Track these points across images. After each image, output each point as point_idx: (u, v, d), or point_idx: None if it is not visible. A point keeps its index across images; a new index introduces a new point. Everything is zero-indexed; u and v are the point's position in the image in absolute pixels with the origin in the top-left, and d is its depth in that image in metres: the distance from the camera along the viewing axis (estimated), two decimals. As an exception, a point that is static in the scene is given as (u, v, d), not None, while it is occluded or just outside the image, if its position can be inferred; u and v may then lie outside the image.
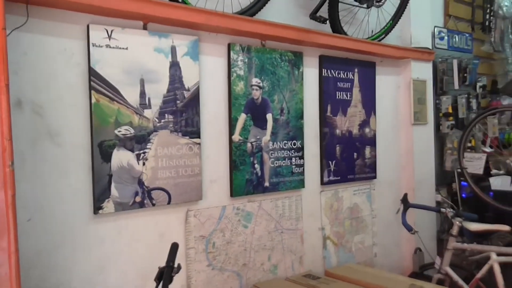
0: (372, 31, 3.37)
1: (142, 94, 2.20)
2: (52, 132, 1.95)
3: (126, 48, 2.14)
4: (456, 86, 4.17)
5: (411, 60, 3.64)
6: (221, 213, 2.53)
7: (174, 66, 2.31)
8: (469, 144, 3.90)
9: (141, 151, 2.20)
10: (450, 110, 4.03)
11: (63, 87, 1.98)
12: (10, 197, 1.58)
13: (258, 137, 2.68)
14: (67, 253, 2.00)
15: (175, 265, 1.65)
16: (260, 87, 2.67)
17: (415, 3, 3.62)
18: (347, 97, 3.21)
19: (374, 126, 3.41)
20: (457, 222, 2.93)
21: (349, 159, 3.23)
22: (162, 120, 2.28)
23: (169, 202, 2.30)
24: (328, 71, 3.08)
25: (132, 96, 2.16)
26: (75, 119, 2.02)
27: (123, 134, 2.13)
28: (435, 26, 4.03)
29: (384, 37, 3.38)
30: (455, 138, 4.00)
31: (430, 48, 3.87)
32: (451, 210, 3.03)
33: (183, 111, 2.35)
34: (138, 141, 2.19)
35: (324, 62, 3.06)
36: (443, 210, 3.06)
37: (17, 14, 1.84)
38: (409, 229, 2.94)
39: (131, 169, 2.16)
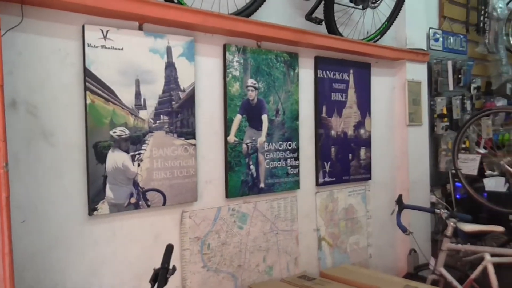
0: (367, 32, 3.38)
1: (138, 95, 2.19)
2: (47, 133, 1.94)
3: (122, 49, 2.13)
4: (451, 87, 4.19)
5: (406, 61, 3.65)
6: (216, 214, 2.53)
7: (170, 66, 2.31)
8: (463, 145, 3.92)
9: (136, 152, 2.19)
10: (445, 111, 4.05)
11: (58, 87, 1.97)
12: (4, 198, 1.58)
13: (253, 138, 2.68)
14: (62, 255, 1.99)
15: (170, 267, 1.65)
16: (255, 88, 2.67)
17: (410, 4, 3.63)
18: (342, 98, 3.21)
19: (369, 127, 3.42)
20: (451, 223, 2.95)
21: (344, 160, 3.24)
22: (158, 121, 2.27)
23: (164, 203, 2.29)
24: (324, 72, 3.09)
25: (127, 97, 2.15)
26: (70, 120, 2.01)
27: (118, 135, 2.12)
28: (430, 28, 4.05)
29: (379, 38, 3.39)
30: (450, 139, 4.02)
31: (425, 49, 3.88)
32: (446, 211, 3.04)
33: (178, 112, 2.35)
34: (133, 142, 2.18)
35: (320, 63, 3.06)
36: (437, 211, 3.07)
37: (12, 14, 1.83)
38: (404, 230, 2.95)
39: (126, 170, 2.15)
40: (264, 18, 2.65)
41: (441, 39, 4.17)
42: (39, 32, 1.92)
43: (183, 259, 2.39)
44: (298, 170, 2.92)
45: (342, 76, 3.22)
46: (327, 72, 3.11)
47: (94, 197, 2.05)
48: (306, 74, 3.00)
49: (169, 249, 1.72)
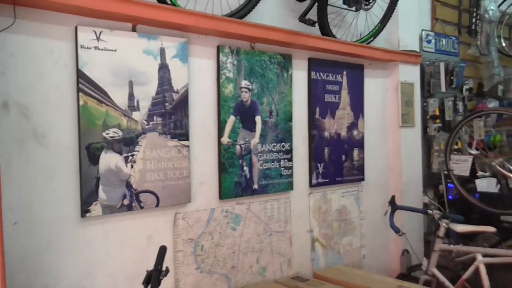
0: (360, 34, 3.40)
1: (131, 96, 2.19)
2: (39, 134, 1.93)
3: (115, 50, 2.12)
4: (443, 89, 4.21)
5: (399, 63, 3.67)
6: (209, 216, 2.53)
7: (163, 68, 2.30)
8: (455, 147, 3.94)
9: (129, 154, 2.18)
10: (437, 113, 4.07)
11: (50, 88, 1.96)
12: (-4, 200, 1.57)
13: (247, 139, 2.68)
14: (54, 257, 1.98)
15: (163, 268, 1.65)
16: (249, 90, 2.68)
17: (403, 6, 3.65)
18: (335, 99, 3.22)
19: (362, 128, 3.43)
20: (444, 224, 2.97)
21: (337, 162, 3.25)
22: (151, 123, 2.26)
23: (157, 205, 2.29)
24: (317, 73, 3.10)
25: (120, 98, 2.15)
26: (62, 121, 2.00)
27: (111, 137, 2.12)
28: (422, 30, 4.08)
29: (372, 40, 3.40)
30: (442, 140, 4.04)
31: (418, 51, 3.90)
32: (438, 212, 3.05)
33: (171, 114, 2.34)
34: (127, 144, 2.17)
35: (313, 64, 3.07)
36: (430, 212, 3.09)
37: (4, 15, 1.82)
38: (397, 231, 2.97)
39: (119, 172, 2.15)
40: (258, 20, 2.65)
41: (433, 41, 4.19)
42: (32, 33, 1.92)
43: (176, 260, 2.38)
44: (292, 171, 2.93)
45: (336, 78, 3.23)
46: (321, 73, 3.12)
47: (87, 198, 2.04)
48: (299, 76, 3.01)
49: (162, 250, 1.72)
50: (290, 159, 2.91)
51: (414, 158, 3.84)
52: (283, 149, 2.87)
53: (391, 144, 3.73)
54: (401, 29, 3.73)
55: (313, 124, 3.07)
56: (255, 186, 2.72)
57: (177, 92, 2.36)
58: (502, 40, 5.15)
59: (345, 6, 3.13)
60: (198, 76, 2.49)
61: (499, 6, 4.95)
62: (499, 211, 3.44)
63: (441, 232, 2.98)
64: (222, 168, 2.56)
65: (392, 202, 3.12)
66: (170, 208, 2.37)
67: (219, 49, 2.54)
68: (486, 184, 3.83)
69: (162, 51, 2.29)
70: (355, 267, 3.34)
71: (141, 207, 2.23)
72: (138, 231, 2.26)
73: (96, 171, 2.07)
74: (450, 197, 3.92)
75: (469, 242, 3.42)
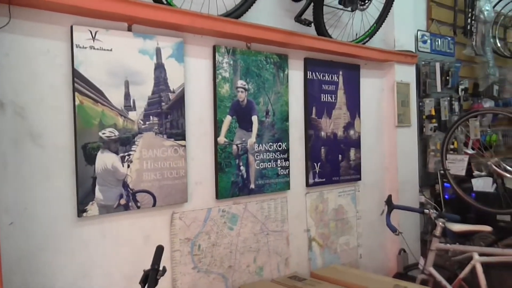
0: (356, 34, 3.41)
1: (127, 96, 2.18)
2: (35, 134, 1.93)
3: (111, 50, 2.12)
4: (439, 89, 4.23)
5: (395, 63, 3.68)
6: (206, 216, 2.52)
7: (159, 68, 2.30)
8: (451, 146, 3.96)
9: (126, 154, 2.18)
10: (433, 113, 4.09)
11: (46, 88, 1.96)
12: (-8, 200, 1.56)
13: (243, 139, 2.68)
14: (51, 257, 1.97)
15: (160, 268, 1.65)
16: (245, 89, 2.68)
17: (398, 7, 3.66)
18: (332, 99, 3.23)
19: (358, 128, 3.44)
20: (440, 223, 2.97)
21: (334, 161, 3.25)
22: (147, 122, 2.26)
23: (154, 205, 2.28)
24: (313, 73, 3.10)
25: (116, 98, 2.14)
26: (58, 121, 1.99)
27: (107, 136, 2.11)
28: (418, 30, 4.09)
29: (368, 40, 3.41)
30: (438, 140, 4.06)
31: (414, 51, 3.91)
32: (434, 211, 3.06)
33: (168, 113, 2.34)
34: (123, 143, 2.17)
35: (309, 64, 3.08)
36: (426, 211, 3.09)
37: (-1, 14, 1.81)
38: (393, 230, 2.97)
39: (116, 172, 2.14)
40: (254, 20, 2.66)
41: (429, 41, 4.21)
42: (27, 33, 1.91)
43: (174, 260, 2.38)
44: (288, 171, 2.93)
45: (332, 78, 3.23)
46: (317, 73, 3.13)
47: (83, 198, 2.04)
48: (295, 76, 3.02)
49: (159, 250, 1.72)
50: (287, 159, 2.92)
51: (411, 157, 3.85)
52: (279, 148, 2.87)
53: (388, 143, 3.74)
54: (397, 29, 3.74)
55: (310, 124, 3.08)
56: (252, 186, 2.72)
57: (173, 92, 2.36)
58: (497, 41, 5.18)
59: (341, 6, 3.14)
60: (194, 76, 2.49)
61: (494, 6, 4.98)
62: (495, 210, 3.45)
63: (438, 231, 2.99)
64: (219, 168, 2.56)
65: (388, 201, 3.12)
66: (166, 208, 2.36)
67: (215, 49, 2.55)
68: (482, 184, 3.84)
69: (158, 51, 2.29)
70: (352, 267, 3.34)
71: (138, 207, 2.22)
72: (135, 231, 2.25)
73: (93, 171, 2.06)
74: (446, 196, 3.94)
75: (465, 241, 3.43)
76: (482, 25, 4.80)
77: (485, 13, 4.78)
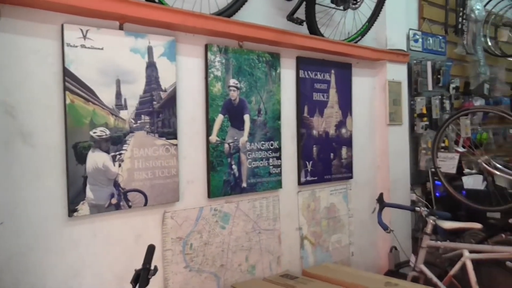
0: (348, 33, 3.41)
1: (118, 95, 2.18)
2: (25, 133, 1.92)
3: (102, 48, 2.11)
4: (430, 88, 4.25)
5: (387, 61, 3.69)
6: (198, 214, 2.53)
7: (151, 66, 2.30)
8: (442, 144, 3.98)
9: (117, 153, 2.17)
10: (425, 111, 4.11)
11: (36, 87, 1.95)
12: (-19, 200, 1.55)
13: (235, 138, 2.68)
14: (41, 257, 1.96)
15: (152, 267, 1.64)
16: (237, 88, 2.68)
17: (390, 6, 3.68)
18: (324, 98, 3.24)
19: (350, 126, 3.45)
20: (431, 221, 2.99)
21: (326, 160, 3.26)
22: (139, 121, 2.26)
23: (145, 204, 2.28)
24: (305, 72, 3.11)
25: (107, 97, 2.14)
26: (49, 120, 1.98)
27: (98, 136, 2.10)
28: (409, 29, 4.11)
29: (360, 39, 3.42)
30: (429, 138, 4.08)
31: (405, 50, 3.93)
32: (425, 209, 3.08)
33: (159, 112, 2.34)
34: (114, 143, 2.16)
35: (301, 63, 3.08)
36: (417, 209, 3.11)
37: (-12, 13, 1.80)
38: (385, 228, 2.99)
39: (107, 171, 2.14)
40: (246, 19, 2.66)
41: (420, 40, 4.23)
42: (18, 31, 1.90)
43: (165, 259, 2.38)
44: (280, 169, 2.94)
45: (324, 76, 3.24)
46: (309, 72, 3.13)
47: (74, 198, 2.03)
48: (288, 74, 3.02)
49: (151, 249, 1.71)
50: (279, 158, 2.92)
51: (402, 156, 3.87)
52: (271, 147, 2.88)
53: (379, 142, 3.76)
54: (389, 28, 3.76)
55: (302, 123, 3.08)
56: (244, 185, 2.72)
57: (165, 91, 2.36)
58: (488, 39, 5.21)
59: (333, 5, 3.15)
60: (186, 74, 2.48)
61: (485, 5, 5.01)
62: (485, 207, 3.48)
63: (429, 229, 3.01)
64: (211, 167, 2.56)
65: (380, 199, 3.14)
66: (158, 207, 2.36)
67: (207, 48, 2.54)
68: (472, 181, 3.87)
69: (149, 50, 2.29)
70: (344, 265, 3.36)
71: (129, 206, 2.22)
72: (126, 230, 2.25)
73: (84, 170, 2.06)
74: (437, 194, 3.96)
75: (456, 238, 3.46)
76: (473, 24, 4.83)
77: (476, 12, 4.81)
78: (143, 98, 2.27)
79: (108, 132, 2.14)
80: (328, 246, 3.30)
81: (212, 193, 2.57)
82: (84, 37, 2.05)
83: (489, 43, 5.22)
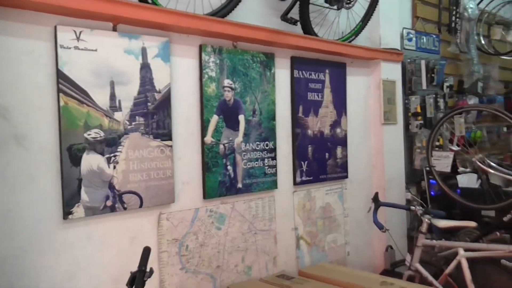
0: (342, 33, 3.42)
1: (112, 96, 2.17)
2: (19, 136, 1.90)
3: (95, 50, 2.10)
4: (424, 86, 4.26)
5: (381, 61, 3.70)
6: (194, 216, 2.52)
7: (145, 67, 2.29)
8: (437, 143, 3.99)
9: (112, 155, 2.16)
10: (419, 110, 4.12)
11: (30, 89, 1.93)
12: (-25, 204, 1.54)
13: (230, 138, 2.68)
14: (35, 260, 1.95)
15: (148, 269, 1.64)
16: (232, 89, 2.67)
17: (384, 5, 3.68)
18: (318, 97, 3.24)
19: (345, 126, 3.46)
20: (426, 220, 3.00)
21: (321, 159, 3.27)
22: (133, 123, 2.25)
23: (141, 206, 2.27)
24: (300, 72, 3.11)
25: (101, 98, 2.12)
26: (42, 122, 1.97)
27: (93, 137, 2.09)
28: (403, 28, 4.12)
29: (354, 39, 3.43)
30: (424, 137, 4.09)
31: (399, 49, 3.94)
32: (420, 207, 3.09)
33: (154, 113, 2.33)
34: (109, 144, 2.15)
35: (296, 63, 3.08)
36: (412, 208, 3.11)
37: (-20, 14, 1.79)
38: (380, 227, 2.99)
39: (102, 173, 2.13)
40: (240, 19, 2.65)
41: (414, 39, 4.24)
42: (10, 33, 1.88)
43: (161, 261, 2.37)
44: (276, 169, 2.93)
45: (318, 76, 3.24)
46: (303, 72, 3.13)
47: (69, 200, 2.02)
48: (282, 74, 3.02)
49: (146, 251, 1.71)
50: (274, 158, 2.92)
51: (397, 155, 3.88)
52: (266, 147, 2.87)
53: (374, 141, 3.77)
54: (382, 27, 3.76)
55: (297, 123, 3.08)
56: (239, 185, 2.72)
57: (159, 92, 2.35)
58: (481, 38, 5.23)
59: (327, 5, 3.15)
60: (181, 75, 2.48)
61: (478, 4, 5.03)
62: (480, 206, 3.49)
63: (424, 227, 3.02)
64: (206, 168, 2.56)
65: (375, 198, 3.15)
66: (153, 209, 2.35)
67: (201, 48, 2.54)
68: (467, 180, 3.89)
69: (143, 51, 2.28)
70: (340, 264, 3.36)
71: (125, 208, 2.21)
72: (121, 232, 2.24)
73: (78, 173, 2.05)
74: (432, 193, 3.98)
75: (451, 237, 3.47)
76: (467, 22, 4.85)
77: (469, 10, 4.83)
78: (138, 100, 2.26)
79: (102, 134, 2.13)
80: (324, 246, 3.31)
81: (207, 194, 2.57)
82: (78, 38, 2.04)
83: (483, 42, 5.24)
